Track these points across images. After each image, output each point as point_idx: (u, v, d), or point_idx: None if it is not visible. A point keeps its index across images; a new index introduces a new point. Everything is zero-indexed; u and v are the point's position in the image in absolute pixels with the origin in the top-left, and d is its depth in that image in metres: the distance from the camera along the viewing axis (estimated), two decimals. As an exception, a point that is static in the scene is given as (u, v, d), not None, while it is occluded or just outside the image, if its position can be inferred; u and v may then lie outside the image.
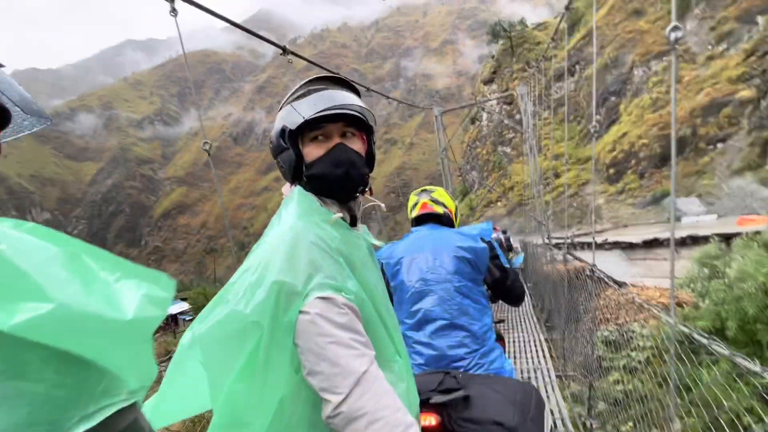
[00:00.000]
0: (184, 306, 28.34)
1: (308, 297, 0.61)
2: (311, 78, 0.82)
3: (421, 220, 1.68)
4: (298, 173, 0.78)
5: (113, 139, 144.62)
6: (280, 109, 0.82)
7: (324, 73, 0.82)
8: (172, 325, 26.57)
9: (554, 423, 2.87)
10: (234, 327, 0.62)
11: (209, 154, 1.69)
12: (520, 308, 6.83)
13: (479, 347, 1.38)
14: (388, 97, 8.10)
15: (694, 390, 2.88)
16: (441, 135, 11.88)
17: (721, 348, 0.93)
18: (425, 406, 1.07)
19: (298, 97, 0.79)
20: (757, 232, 5.20)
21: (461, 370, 1.31)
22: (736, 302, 3.78)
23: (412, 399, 0.78)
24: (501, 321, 1.75)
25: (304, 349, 0.60)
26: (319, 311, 0.61)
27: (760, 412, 2.35)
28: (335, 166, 0.76)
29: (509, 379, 1.27)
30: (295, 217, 0.70)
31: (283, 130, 0.78)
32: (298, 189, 0.77)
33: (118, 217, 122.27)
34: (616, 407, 2.90)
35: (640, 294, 2.25)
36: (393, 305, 1.47)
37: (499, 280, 1.52)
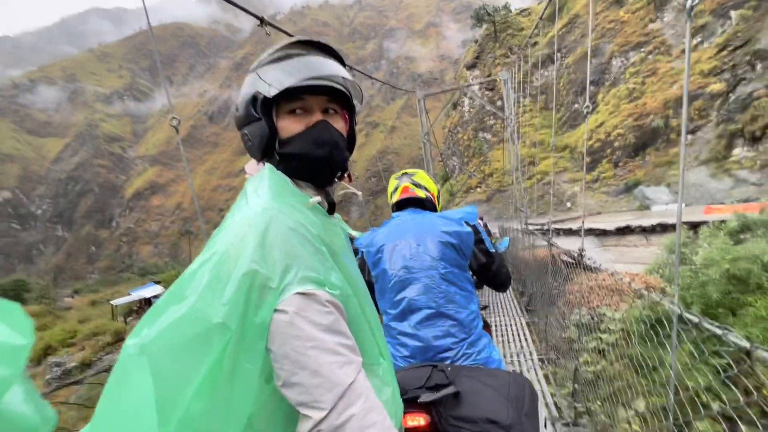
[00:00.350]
0: (159, 290, 27.73)
1: (285, 292, 0.51)
2: (292, 41, 0.68)
3: (402, 205, 1.60)
4: (269, 149, 0.66)
5: (79, 114, 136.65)
6: (251, 72, 0.68)
7: (306, 37, 0.69)
8: (147, 308, 25.98)
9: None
10: (193, 330, 0.50)
11: (177, 131, 1.56)
12: (501, 293, 7.00)
13: (467, 336, 1.31)
14: (370, 77, 7.92)
15: (661, 371, 3.02)
16: (424, 119, 11.80)
17: (736, 338, 0.95)
18: (413, 405, 1.02)
19: (275, 60, 0.66)
20: (723, 221, 5.48)
21: (448, 361, 1.25)
22: (701, 287, 3.99)
23: (397, 405, 0.72)
24: (485, 307, 1.71)
25: (279, 356, 0.50)
26: (298, 310, 0.51)
27: (719, 390, 2.50)
28: (317, 146, 0.66)
29: (500, 371, 1.19)
30: (268, 198, 0.58)
31: (254, 98, 0.66)
32: (268, 167, 0.65)
33: (86, 197, 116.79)
34: (586, 387, 3.03)
35: (625, 277, 2.32)
36: (375, 295, 1.47)
37: (484, 266, 1.46)
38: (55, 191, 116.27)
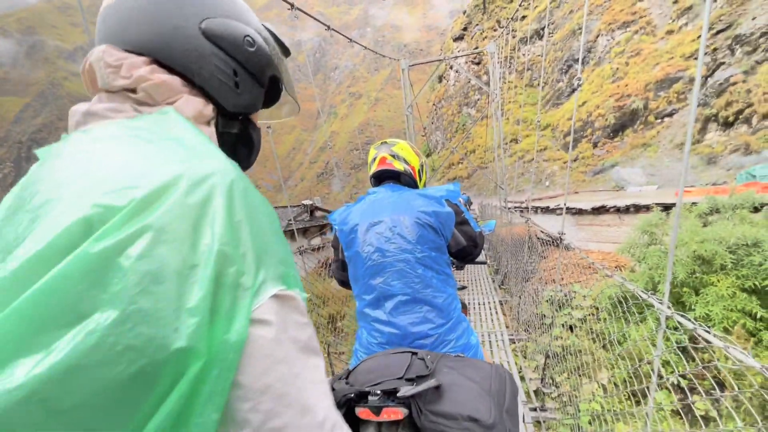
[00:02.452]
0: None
1: (259, 294, 0.35)
2: (283, 43, 0.62)
3: (379, 177, 1.46)
4: (224, 110, 0.52)
5: (40, 71, 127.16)
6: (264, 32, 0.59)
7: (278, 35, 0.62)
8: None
9: None
10: (128, 370, 0.28)
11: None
12: (477, 269, 7.09)
13: (444, 322, 1.24)
14: (351, 40, 7.55)
15: (625, 344, 3.11)
16: (407, 90, 11.49)
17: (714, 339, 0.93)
18: (393, 399, 0.96)
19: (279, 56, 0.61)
20: (694, 203, 5.64)
21: (427, 348, 1.19)
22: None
23: None
24: (463, 288, 1.67)
25: (256, 391, 0.33)
26: (279, 321, 0.36)
27: (673, 367, 2.61)
28: (256, 150, 0.60)
29: (483, 363, 1.12)
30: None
31: (252, 44, 0.53)
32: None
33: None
34: (554, 360, 3.12)
35: (595, 260, 2.33)
36: (348, 278, 1.39)
37: (464, 249, 1.35)
38: (17, 154, 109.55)
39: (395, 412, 0.95)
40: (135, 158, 0.35)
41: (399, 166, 1.42)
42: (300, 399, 0.35)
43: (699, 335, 0.92)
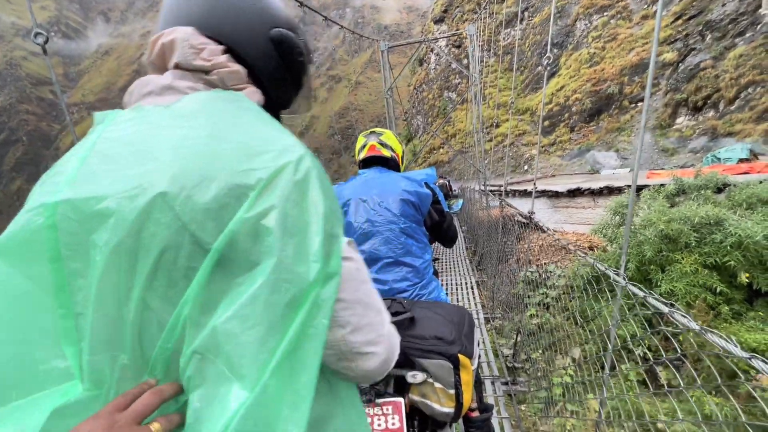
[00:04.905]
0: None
1: (342, 240, 0.48)
2: (312, 52, 0.71)
3: (368, 162, 1.73)
4: (268, 104, 0.60)
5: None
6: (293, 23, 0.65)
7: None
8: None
9: (480, 355, 3.19)
10: (283, 299, 0.40)
11: (45, 52, 1.25)
12: (454, 251, 7.19)
13: (420, 281, 1.52)
14: (326, 18, 7.34)
15: (593, 322, 3.22)
16: (387, 73, 11.32)
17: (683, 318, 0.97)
18: None
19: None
20: (662, 185, 5.85)
21: (405, 298, 1.46)
22: (637, 246, 4.27)
23: None
24: (436, 259, 1.97)
25: (352, 302, 0.49)
26: (356, 257, 0.52)
27: (637, 340, 2.74)
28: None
29: (447, 304, 1.46)
30: (294, 136, 0.50)
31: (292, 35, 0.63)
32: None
33: (13, 147, 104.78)
34: (530, 338, 3.23)
35: (562, 238, 2.39)
36: None
37: (437, 223, 1.65)
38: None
39: None
40: (254, 131, 0.46)
41: (386, 153, 1.70)
42: (376, 304, 0.54)
43: (648, 302, 0.97)
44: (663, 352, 3.01)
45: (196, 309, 0.39)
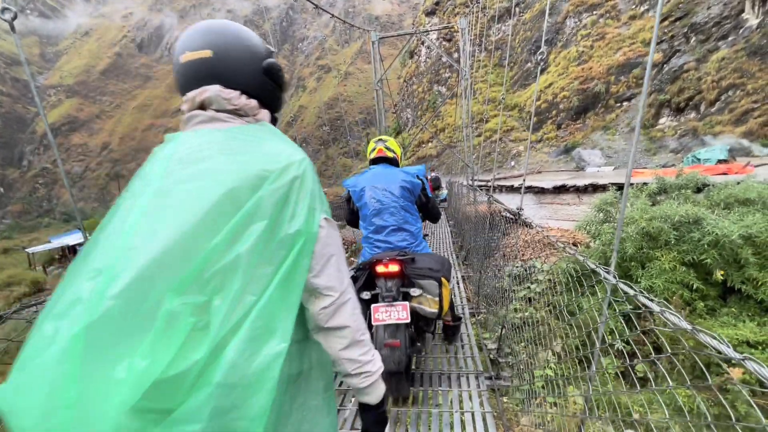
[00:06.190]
0: (82, 237, 25.43)
1: (320, 214, 0.73)
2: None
3: (376, 161, 2.53)
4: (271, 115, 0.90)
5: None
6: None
7: None
8: (71, 257, 23.88)
9: (454, 286, 4.63)
10: (277, 239, 0.65)
11: (13, 30, 1.18)
12: (442, 248, 7.24)
13: (414, 240, 2.37)
14: (317, 6, 7.20)
15: (577, 315, 3.28)
16: (377, 64, 11.21)
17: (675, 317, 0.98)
18: (392, 262, 2.18)
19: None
20: (645, 184, 5.98)
21: (406, 250, 2.32)
22: (620, 243, 4.36)
23: None
24: (426, 235, 2.82)
25: (318, 254, 0.72)
26: (327, 226, 0.75)
27: (618, 335, 2.81)
28: None
29: (434, 253, 2.45)
30: (297, 146, 0.78)
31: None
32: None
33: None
34: (513, 331, 3.28)
35: (550, 235, 2.43)
36: (360, 219, 2.48)
37: (424, 204, 2.48)
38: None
39: (395, 264, 2.18)
40: (277, 147, 0.74)
41: (390, 154, 2.52)
42: (335, 263, 0.75)
43: (639, 301, 0.98)
44: (633, 346, 3.10)
45: (230, 238, 0.60)
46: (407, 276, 2.19)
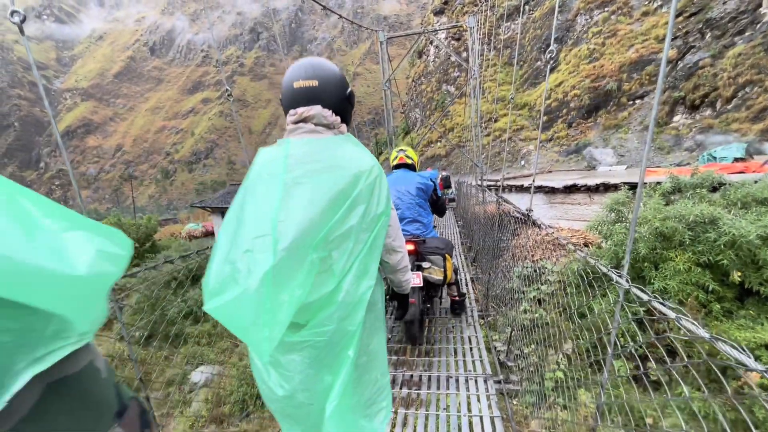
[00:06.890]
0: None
1: (390, 202, 1.09)
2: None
3: (398, 166, 3.30)
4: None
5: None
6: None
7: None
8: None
9: (455, 261, 5.72)
10: (369, 217, 1.00)
11: (22, 32, 1.20)
12: (453, 249, 7.20)
13: (426, 229, 3.05)
14: (324, 7, 7.20)
15: (588, 317, 3.23)
16: (385, 65, 11.20)
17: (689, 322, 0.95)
18: (409, 242, 2.90)
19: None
20: (658, 183, 5.85)
21: (420, 236, 3.01)
22: (633, 244, 4.28)
23: None
24: (435, 227, 3.55)
25: (393, 228, 1.22)
26: (394, 212, 1.22)
27: (629, 336, 2.75)
28: None
29: (441, 237, 3.18)
30: (371, 154, 1.11)
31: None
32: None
33: (5, 132, 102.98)
34: (522, 332, 3.24)
35: (561, 236, 2.39)
36: None
37: (434, 201, 3.19)
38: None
39: (411, 243, 2.93)
40: (360, 154, 1.07)
41: (409, 161, 3.27)
42: (401, 234, 1.30)
43: (653, 307, 0.95)
44: (646, 350, 3.03)
45: (344, 215, 0.94)
46: (420, 253, 2.95)
